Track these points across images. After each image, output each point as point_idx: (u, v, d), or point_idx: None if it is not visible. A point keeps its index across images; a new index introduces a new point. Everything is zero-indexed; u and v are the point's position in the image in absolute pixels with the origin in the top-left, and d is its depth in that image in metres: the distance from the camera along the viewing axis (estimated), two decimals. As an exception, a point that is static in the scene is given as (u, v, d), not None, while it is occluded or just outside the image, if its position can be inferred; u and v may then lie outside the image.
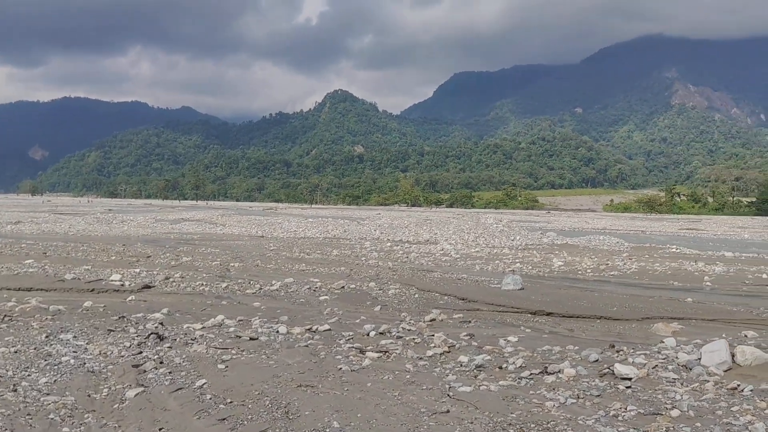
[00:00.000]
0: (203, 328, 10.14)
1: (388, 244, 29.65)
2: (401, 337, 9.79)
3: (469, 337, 9.95)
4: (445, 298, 14.11)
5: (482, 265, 21.64)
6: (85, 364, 7.96)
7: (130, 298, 13.33)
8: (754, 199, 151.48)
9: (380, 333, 10.02)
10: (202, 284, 15.57)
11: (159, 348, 8.77)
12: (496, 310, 12.76)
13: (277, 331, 9.96)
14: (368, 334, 9.98)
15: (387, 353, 8.54)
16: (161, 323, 10.29)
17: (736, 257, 27.15)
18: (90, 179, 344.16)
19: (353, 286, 15.48)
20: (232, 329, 10.02)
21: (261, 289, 15.01)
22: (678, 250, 30.14)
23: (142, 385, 7.11)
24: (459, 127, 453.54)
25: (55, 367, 7.77)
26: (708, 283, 17.81)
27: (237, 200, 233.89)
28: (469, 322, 11.54)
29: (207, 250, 25.20)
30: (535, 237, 34.04)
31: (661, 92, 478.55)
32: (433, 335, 9.93)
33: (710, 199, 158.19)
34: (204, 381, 7.10)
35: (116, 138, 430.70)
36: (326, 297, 14.02)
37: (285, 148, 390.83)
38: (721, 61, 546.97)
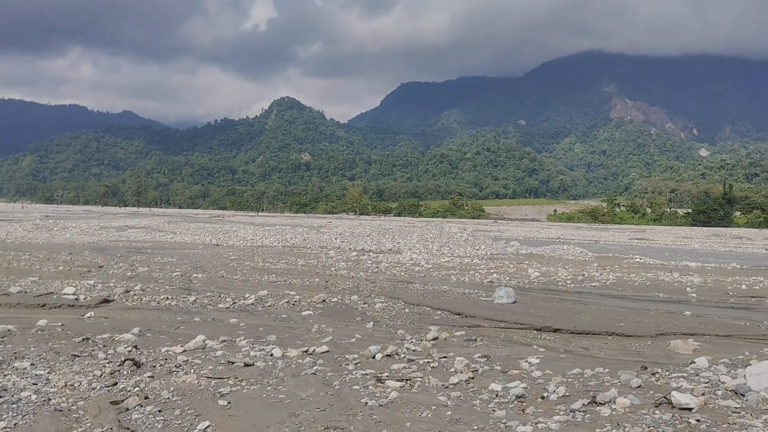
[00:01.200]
0: (185, 351, 8.80)
1: (354, 253, 28.49)
2: (413, 360, 8.70)
3: (484, 358, 8.96)
4: (439, 312, 13.09)
5: (457, 275, 20.76)
6: (50, 400, 6.56)
7: (88, 315, 11.79)
8: (689, 210, 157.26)
9: (387, 355, 8.91)
10: (167, 298, 14.10)
11: (138, 378, 7.41)
12: (498, 326, 11.83)
13: (271, 355, 8.72)
14: (374, 357, 8.86)
15: (409, 382, 7.43)
16: (135, 346, 8.88)
17: (701, 267, 27.20)
18: (24, 184, 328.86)
19: (335, 299, 14.30)
20: (219, 353, 8.71)
21: (235, 303, 13.66)
22: (643, 260, 30.09)
23: (128, 428, 5.81)
24: (406, 137, 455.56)
25: (14, 405, 6.36)
26: (694, 295, 17.40)
27: (180, 207, 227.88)
28: (475, 340, 10.55)
29: (163, 259, 23.48)
30: (500, 247, 33.52)
31: (601, 106, 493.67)
32: (445, 357, 8.90)
33: (648, 210, 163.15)
34: (207, 424, 5.84)
35: (53, 142, 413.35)
36: (309, 312, 12.80)
37: (230, 155, 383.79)
38: (656, 78, 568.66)
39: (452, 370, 8.16)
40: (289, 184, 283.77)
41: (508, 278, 20.42)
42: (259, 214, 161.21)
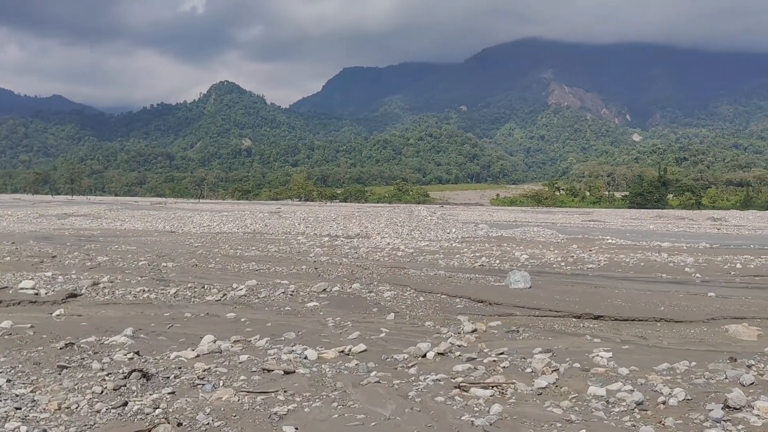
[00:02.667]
0: (198, 357, 7.19)
1: (325, 238, 26.91)
2: (473, 358, 7.36)
3: (547, 353, 7.72)
4: (457, 300, 11.80)
5: (445, 260, 19.55)
6: (46, 432, 4.93)
7: (57, 313, 9.94)
8: (626, 193, 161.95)
9: (440, 353, 7.54)
10: (144, 290, 12.30)
11: (154, 395, 5.80)
12: (531, 314, 10.63)
13: (305, 357, 7.22)
14: (425, 356, 7.48)
15: (499, 389, 6.08)
16: (136, 352, 7.19)
17: (672, 247, 26.91)
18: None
19: (336, 288, 12.79)
20: (243, 358, 7.13)
21: (225, 295, 11.99)
22: (614, 242, 29.69)
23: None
24: (349, 122, 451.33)
25: (0, 442, 4.70)
26: (698, 275, 16.72)
27: (116, 195, 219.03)
28: (517, 331, 9.31)
29: (121, 247, 21.33)
30: (470, 230, 32.58)
31: (539, 92, 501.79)
32: (503, 353, 7.61)
33: (587, 194, 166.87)
34: (286, 463, 4.35)
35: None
36: (314, 303, 11.28)
37: (167, 141, 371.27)
38: (592, 65, 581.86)
39: (529, 370, 6.86)
40: (229, 170, 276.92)
41: (498, 262, 19.34)
42: (201, 201, 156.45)
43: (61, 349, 7.32)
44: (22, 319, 9.23)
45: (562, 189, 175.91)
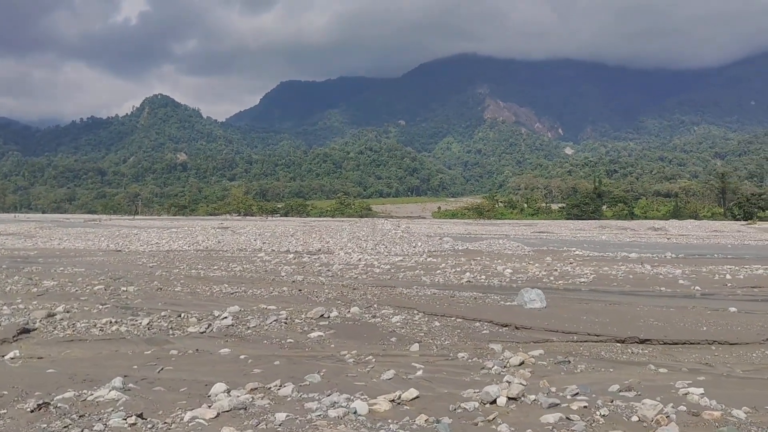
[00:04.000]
0: (218, 416, 5.58)
1: (290, 255, 25.19)
2: (555, 404, 6.05)
3: (629, 392, 6.50)
4: (476, 324, 10.49)
5: (427, 276, 18.28)
6: None
7: (11, 355, 8.07)
8: (563, 205, 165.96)
9: (513, 398, 6.19)
10: (111, 321, 10.46)
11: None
12: (568, 339, 9.42)
13: (355, 412, 5.73)
14: (494, 401, 6.11)
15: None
16: (139, 415, 5.51)
17: (643, 257, 26.55)
18: None
19: (335, 314, 11.27)
20: (281, 416, 5.55)
21: (210, 325, 10.27)
22: (584, 253, 29.17)
23: None
24: (287, 136, 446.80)
25: None
26: (697, 288, 16.04)
27: (44, 212, 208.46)
28: (568, 361, 8.08)
29: (67, 269, 19.07)
30: (435, 243, 31.44)
31: (475, 107, 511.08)
32: (579, 394, 6.34)
33: (525, 206, 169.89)
34: None
35: None
36: (319, 333, 9.74)
37: (99, 156, 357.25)
38: (525, 80, 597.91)
39: (636, 419, 5.60)
40: (164, 185, 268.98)
41: (484, 277, 18.21)
42: (136, 217, 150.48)
43: (32, 412, 5.57)
44: (-32, 367, 7.36)
45: (501, 201, 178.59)
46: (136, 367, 7.64)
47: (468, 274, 18.73)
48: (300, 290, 14.43)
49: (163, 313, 11.24)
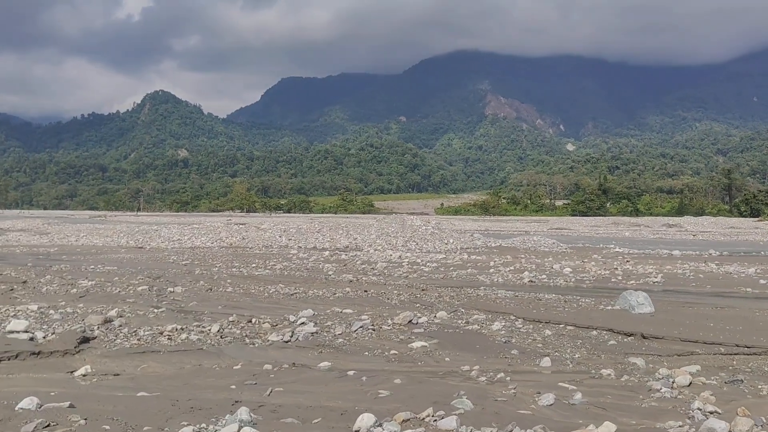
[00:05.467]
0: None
1: (326, 253, 23.97)
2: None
3: None
4: (594, 333, 9.28)
5: (483, 276, 17.07)
6: None
7: (82, 372, 6.86)
8: (567, 201, 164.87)
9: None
10: (176, 328, 9.23)
11: None
12: (715, 351, 8.19)
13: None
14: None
15: None
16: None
17: (686, 255, 25.38)
18: None
19: (424, 319, 10.05)
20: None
21: (293, 334, 9.04)
22: (621, 251, 27.96)
23: None
24: (288, 132, 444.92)
25: None
26: (786, 289, 14.83)
27: (45, 208, 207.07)
28: (741, 380, 6.85)
29: (97, 268, 17.86)
30: (467, 240, 30.25)
31: (476, 103, 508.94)
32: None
33: (529, 202, 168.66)
34: None
35: None
36: (422, 343, 8.51)
37: (100, 152, 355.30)
38: (526, 76, 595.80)
39: None
40: (166, 181, 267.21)
41: (545, 276, 16.99)
42: (138, 213, 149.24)
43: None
44: (39, 386, 6.13)
45: (504, 198, 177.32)
46: (234, 387, 6.41)
47: (527, 273, 17.50)
48: (365, 291, 13.20)
49: (230, 318, 10.01)
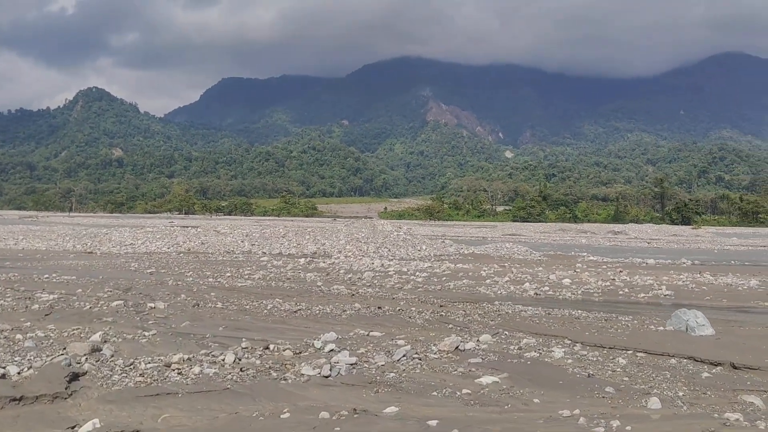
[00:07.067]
0: None
1: (302, 260, 22.29)
2: None
3: None
4: (671, 361, 8.13)
5: (484, 287, 15.92)
6: None
7: (89, 428, 5.19)
8: (508, 207, 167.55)
9: None
10: (183, 359, 7.56)
11: None
12: (821, 383, 7.18)
13: None
14: None
15: None
16: None
17: (661, 264, 25.04)
18: None
19: (470, 345, 8.69)
20: None
21: (331, 367, 7.51)
22: (596, 259, 27.45)
23: None
24: (229, 133, 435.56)
25: None
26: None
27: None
28: None
29: (54, 277, 15.69)
30: (439, 246, 29.10)
31: (418, 109, 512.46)
32: None
33: (470, 207, 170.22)
34: None
35: None
36: (493, 379, 7.13)
37: (27, 149, 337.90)
38: (467, 84, 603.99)
39: None
40: (99, 181, 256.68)
41: (548, 288, 15.97)
42: (71, 214, 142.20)
43: None
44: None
45: (446, 203, 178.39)
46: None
47: (527, 285, 16.43)
48: (380, 308, 11.73)
49: (243, 345, 8.39)
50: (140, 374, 7.00)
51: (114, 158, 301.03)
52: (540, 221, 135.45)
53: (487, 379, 7.06)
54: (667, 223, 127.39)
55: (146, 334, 9.02)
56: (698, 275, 19.54)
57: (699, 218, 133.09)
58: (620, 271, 20.23)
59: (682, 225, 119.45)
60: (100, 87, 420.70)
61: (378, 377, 7.12)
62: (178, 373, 7.07)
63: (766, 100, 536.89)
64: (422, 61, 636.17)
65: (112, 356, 7.65)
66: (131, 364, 7.32)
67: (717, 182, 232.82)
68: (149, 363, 7.38)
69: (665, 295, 15.34)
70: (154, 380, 6.80)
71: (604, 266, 23.20)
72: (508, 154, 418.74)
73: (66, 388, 6.31)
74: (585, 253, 30.37)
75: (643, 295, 15.30)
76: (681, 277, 18.91)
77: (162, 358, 7.62)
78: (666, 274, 19.95)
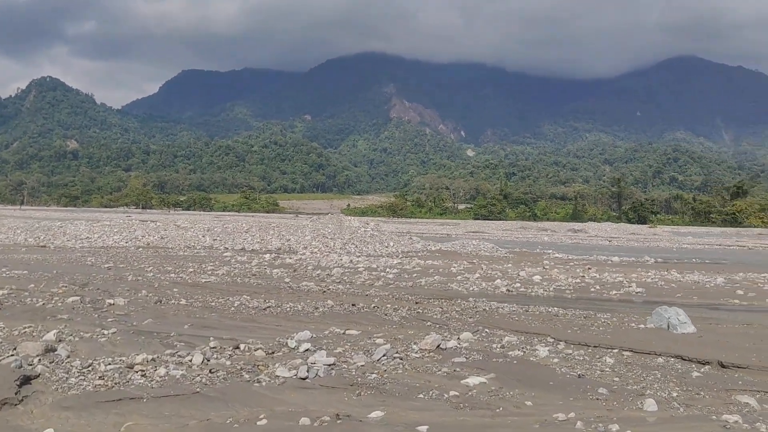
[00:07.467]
0: None
1: (267, 256, 21.65)
2: None
3: None
4: (659, 360, 7.89)
5: (456, 284, 15.63)
6: None
7: (43, 440, 4.63)
8: (470, 205, 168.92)
9: None
10: (147, 359, 7.00)
11: None
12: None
13: None
14: None
15: None
16: None
17: (626, 262, 25.21)
18: None
19: (452, 344, 8.31)
20: None
21: (308, 368, 7.03)
22: (561, 256, 27.47)
23: None
24: (188, 126, 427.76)
25: None
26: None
27: None
28: None
29: (4, 271, 14.78)
30: (407, 243, 28.77)
31: (382, 106, 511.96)
32: None
33: (433, 205, 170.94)
34: None
35: None
36: (480, 380, 6.74)
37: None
38: (431, 82, 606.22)
39: None
40: (52, 174, 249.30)
41: (519, 285, 15.77)
42: (22, 207, 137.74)
43: None
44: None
45: (409, 200, 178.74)
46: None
47: (498, 281, 16.19)
48: (353, 305, 11.27)
49: (211, 344, 7.85)
50: (100, 377, 6.42)
51: (69, 150, 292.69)
52: (501, 219, 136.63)
53: (474, 380, 6.69)
54: (624, 222, 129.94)
55: (106, 332, 8.39)
56: (666, 273, 19.62)
57: (654, 217, 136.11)
58: (589, 269, 20.20)
59: (638, 224, 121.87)
60: (55, 76, 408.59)
61: (359, 379, 6.69)
62: (142, 376, 6.52)
63: (717, 103, 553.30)
64: (386, 58, 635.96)
65: (68, 357, 7.03)
66: (90, 366, 6.73)
67: (671, 182, 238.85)
68: (110, 364, 6.80)
69: (637, 293, 15.27)
70: (116, 383, 6.24)
71: (572, 263, 23.21)
72: (470, 153, 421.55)
73: (16, 393, 5.71)
74: (550, 251, 30.42)
75: (615, 292, 15.21)
76: (649, 274, 18.94)
77: (124, 358, 7.04)
78: (634, 271, 19.99)
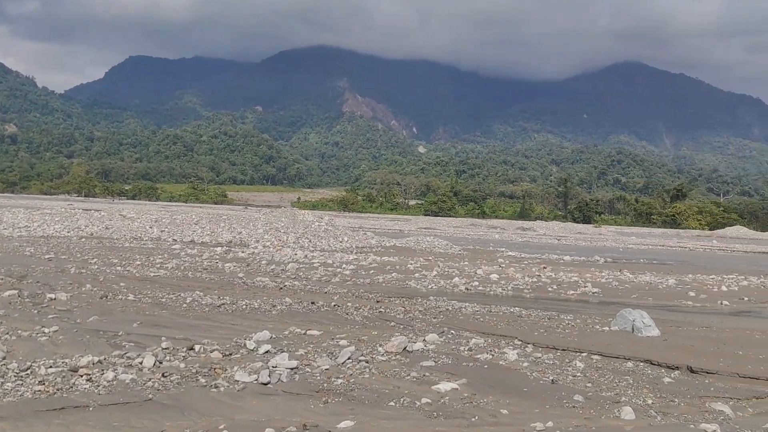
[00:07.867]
0: None
1: (218, 249, 20.92)
2: None
3: None
4: (629, 365, 7.76)
5: (414, 281, 15.39)
6: None
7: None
8: (420, 201, 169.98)
9: None
10: (93, 361, 6.45)
11: None
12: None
13: None
14: None
15: None
16: None
17: (577, 261, 25.51)
18: None
19: (419, 346, 8.00)
20: None
21: (270, 372, 6.60)
22: (515, 254, 27.62)
23: None
24: (135, 114, 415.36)
25: None
26: (726, 303, 14.60)
27: None
28: None
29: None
30: (361, 238, 28.38)
31: (334, 99, 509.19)
32: None
33: (383, 200, 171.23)
34: None
35: None
36: (452, 386, 6.46)
37: None
38: (384, 77, 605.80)
39: None
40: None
41: (477, 283, 15.62)
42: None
43: None
44: None
45: (360, 195, 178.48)
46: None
47: (456, 279, 16.00)
48: (313, 303, 10.85)
49: (163, 345, 7.32)
50: (40, 382, 5.85)
51: (7, 134, 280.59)
52: (450, 216, 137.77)
53: (445, 386, 6.39)
54: (571, 221, 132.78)
55: (46, 330, 7.76)
56: (618, 273, 19.84)
57: (599, 217, 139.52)
58: (543, 268, 20.26)
59: (583, 223, 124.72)
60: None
61: (325, 384, 6.30)
62: (88, 380, 5.97)
63: (660, 108, 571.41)
64: (339, 52, 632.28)
65: (4, 359, 6.42)
66: (28, 369, 6.14)
67: (614, 184, 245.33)
68: (51, 367, 6.22)
69: (593, 293, 15.32)
70: (58, 389, 5.68)
71: (526, 262, 23.29)
72: (421, 149, 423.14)
73: (-57, 402, 5.10)
74: (503, 249, 30.57)
75: (571, 292, 15.22)
76: (603, 274, 19.11)
77: (67, 360, 6.47)
78: (588, 271, 20.14)
